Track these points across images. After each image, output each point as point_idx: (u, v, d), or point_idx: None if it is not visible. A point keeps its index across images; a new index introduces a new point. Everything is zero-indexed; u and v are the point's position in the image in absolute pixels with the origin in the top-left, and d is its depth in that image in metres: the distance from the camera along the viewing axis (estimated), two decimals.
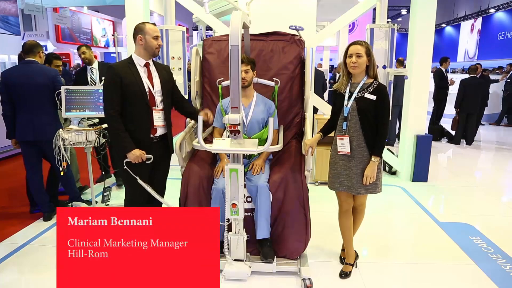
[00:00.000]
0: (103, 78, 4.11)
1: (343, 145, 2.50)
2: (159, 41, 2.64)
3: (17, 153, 6.07)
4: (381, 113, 2.46)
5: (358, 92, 2.48)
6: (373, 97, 2.44)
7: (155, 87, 2.66)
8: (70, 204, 3.75)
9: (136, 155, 2.54)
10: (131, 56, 2.67)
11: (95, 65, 4.35)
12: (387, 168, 5.26)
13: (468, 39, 22.04)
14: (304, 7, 4.53)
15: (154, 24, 2.68)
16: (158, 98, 2.67)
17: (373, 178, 2.48)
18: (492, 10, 19.08)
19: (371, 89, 2.46)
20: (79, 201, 3.78)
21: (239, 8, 2.72)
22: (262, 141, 2.73)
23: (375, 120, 2.48)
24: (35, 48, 3.43)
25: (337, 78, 8.32)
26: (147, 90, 2.60)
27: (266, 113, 2.84)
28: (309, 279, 2.54)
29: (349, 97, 2.50)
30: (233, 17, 2.24)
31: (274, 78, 3.01)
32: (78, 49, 4.37)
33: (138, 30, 2.60)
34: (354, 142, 2.49)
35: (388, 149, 5.31)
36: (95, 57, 4.43)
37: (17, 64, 3.88)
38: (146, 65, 2.64)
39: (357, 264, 2.82)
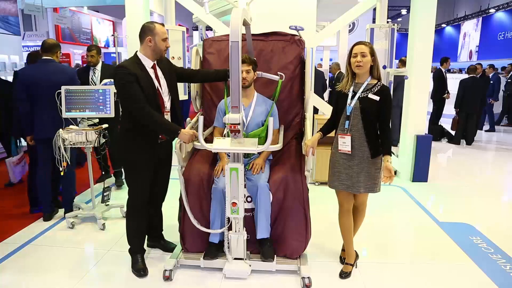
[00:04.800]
0: (104, 79, 4.14)
1: (345, 143, 2.51)
2: (167, 43, 2.58)
3: None
4: (384, 114, 2.48)
5: (362, 92, 2.48)
6: (377, 98, 2.44)
7: (163, 88, 2.62)
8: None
9: (190, 134, 2.45)
10: (136, 56, 2.58)
11: (98, 66, 4.35)
12: None
13: (457, 40, 22.58)
14: (304, 7, 4.53)
15: (163, 24, 2.61)
16: (166, 98, 2.65)
17: (393, 175, 2.48)
18: (492, 10, 19.08)
19: (375, 90, 2.47)
20: (72, 210, 3.67)
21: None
22: (261, 139, 2.73)
23: (377, 121, 2.49)
24: (54, 48, 3.51)
25: (334, 78, 8.30)
26: (157, 91, 2.57)
27: (266, 113, 2.83)
28: (308, 277, 2.54)
29: (353, 97, 2.50)
30: (233, 13, 2.24)
31: (278, 72, 3.00)
32: (89, 50, 4.32)
33: (147, 31, 2.52)
34: (355, 141, 2.49)
35: None
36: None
37: (25, 62, 3.91)
38: (153, 67, 2.59)
39: (357, 264, 2.82)
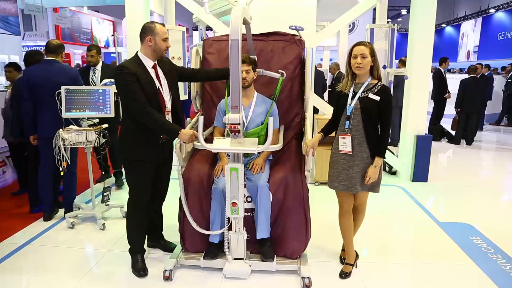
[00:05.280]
0: (104, 79, 4.14)
1: (345, 144, 2.50)
2: (167, 43, 2.58)
3: None
4: (384, 115, 2.47)
5: (362, 92, 2.48)
6: (377, 98, 2.44)
7: (164, 88, 2.62)
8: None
9: (190, 134, 2.45)
10: (137, 55, 2.58)
11: (99, 66, 4.35)
12: (387, 168, 5.26)
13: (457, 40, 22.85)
14: (304, 7, 4.53)
15: (163, 24, 2.61)
16: (167, 98, 2.65)
17: (375, 178, 2.48)
18: (492, 10, 19.09)
19: (376, 90, 2.46)
20: (72, 210, 3.68)
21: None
22: (261, 138, 2.74)
23: (378, 121, 2.48)
24: (59, 49, 3.55)
25: (334, 78, 8.30)
26: (158, 91, 2.57)
27: (266, 113, 2.83)
28: (308, 277, 2.54)
29: (353, 97, 2.50)
30: (233, 11, 2.23)
31: (279, 70, 2.99)
32: (89, 50, 4.34)
33: (148, 31, 2.52)
34: (355, 141, 2.49)
35: (388, 149, 5.32)
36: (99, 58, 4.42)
37: (23, 62, 3.92)
38: (154, 67, 2.59)
39: (357, 264, 2.82)
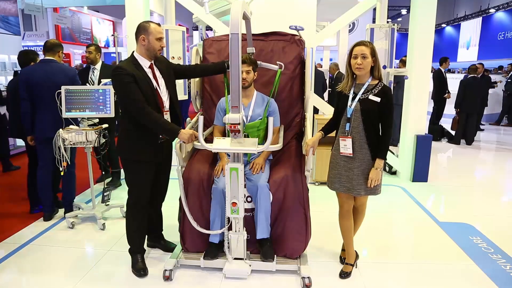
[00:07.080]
0: (102, 79, 4.14)
1: (346, 146, 2.49)
2: (162, 42, 2.55)
3: (17, 153, 6.07)
4: (385, 116, 2.45)
5: (363, 94, 2.46)
6: (377, 99, 2.42)
7: (161, 87, 2.61)
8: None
9: (189, 134, 2.45)
10: (133, 56, 2.56)
11: (98, 65, 4.36)
12: (387, 168, 5.26)
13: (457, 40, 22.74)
14: (304, 7, 4.53)
15: (159, 24, 2.58)
16: (164, 98, 2.64)
17: (378, 180, 2.47)
18: (492, 10, 19.08)
19: (376, 91, 2.44)
20: (72, 210, 3.69)
21: None
22: (261, 131, 2.74)
23: (378, 122, 2.47)
24: (56, 48, 3.53)
25: (334, 78, 8.29)
26: (155, 91, 2.56)
27: (267, 113, 2.83)
28: (308, 277, 2.54)
29: (353, 98, 2.48)
30: (233, 6, 2.22)
31: (277, 62, 2.97)
32: (88, 47, 4.36)
33: (142, 30, 2.51)
34: (356, 143, 2.48)
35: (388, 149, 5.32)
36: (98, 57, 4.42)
37: (18, 62, 3.91)
38: (151, 67, 2.58)
39: (357, 264, 2.82)
